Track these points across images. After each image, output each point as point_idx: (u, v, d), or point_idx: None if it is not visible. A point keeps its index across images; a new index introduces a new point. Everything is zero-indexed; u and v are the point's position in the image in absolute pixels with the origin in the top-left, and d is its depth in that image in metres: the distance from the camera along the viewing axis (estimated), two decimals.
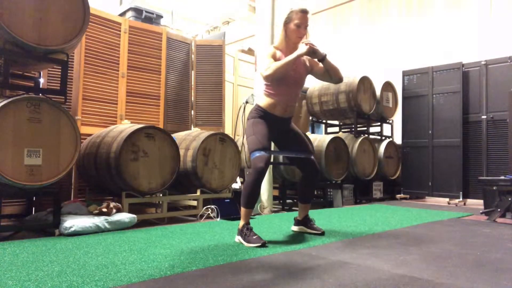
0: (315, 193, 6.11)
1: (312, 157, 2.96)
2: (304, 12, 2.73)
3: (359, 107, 5.89)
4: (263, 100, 2.80)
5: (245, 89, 6.33)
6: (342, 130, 6.68)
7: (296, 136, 2.95)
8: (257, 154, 2.62)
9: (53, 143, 2.81)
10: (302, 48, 2.67)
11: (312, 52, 2.70)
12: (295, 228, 3.11)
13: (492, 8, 7.05)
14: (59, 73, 3.00)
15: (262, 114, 2.78)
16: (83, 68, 3.98)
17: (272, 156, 3.03)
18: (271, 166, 4.50)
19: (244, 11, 10.68)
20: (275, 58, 2.72)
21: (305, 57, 2.88)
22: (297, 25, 2.73)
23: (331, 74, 2.85)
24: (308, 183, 3.01)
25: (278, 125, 2.84)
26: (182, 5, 10.43)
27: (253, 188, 2.64)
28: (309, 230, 3.02)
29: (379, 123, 6.53)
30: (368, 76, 6.17)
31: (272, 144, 3.05)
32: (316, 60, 2.84)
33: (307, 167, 2.95)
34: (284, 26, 2.77)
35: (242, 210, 2.69)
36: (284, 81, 2.74)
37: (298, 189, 3.17)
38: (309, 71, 2.94)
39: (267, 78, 2.66)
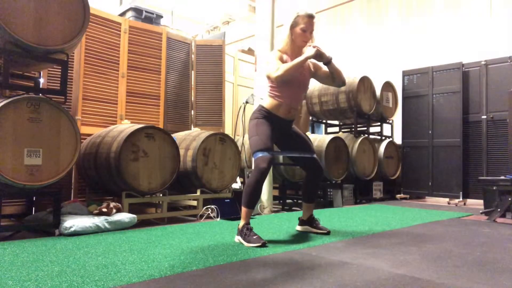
0: None
1: (315, 155, 2.98)
2: (310, 17, 2.77)
3: (359, 107, 5.89)
4: (267, 101, 2.83)
5: (245, 89, 6.33)
6: (342, 130, 6.68)
7: (298, 137, 2.98)
8: (260, 154, 2.64)
9: (53, 143, 2.81)
10: (310, 50, 2.70)
11: (319, 55, 2.73)
12: (300, 228, 3.12)
13: (492, 8, 7.05)
14: (59, 73, 3.00)
15: (265, 115, 2.79)
16: (83, 68, 3.98)
17: (274, 157, 3.04)
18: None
19: (244, 11, 10.69)
20: (282, 61, 2.75)
21: (310, 61, 2.90)
22: (303, 30, 2.76)
23: (335, 77, 2.88)
24: (312, 183, 3.04)
25: (280, 126, 2.86)
26: (182, 5, 10.43)
27: (255, 188, 2.65)
28: (314, 230, 3.02)
29: (379, 123, 6.52)
30: (368, 76, 6.17)
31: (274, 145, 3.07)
32: (321, 63, 2.88)
33: (311, 166, 2.98)
34: (290, 29, 2.80)
35: (243, 210, 2.69)
36: (289, 83, 2.77)
37: (302, 189, 3.18)
38: (313, 74, 2.97)
39: (276, 79, 2.67)
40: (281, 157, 4.72)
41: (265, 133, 2.72)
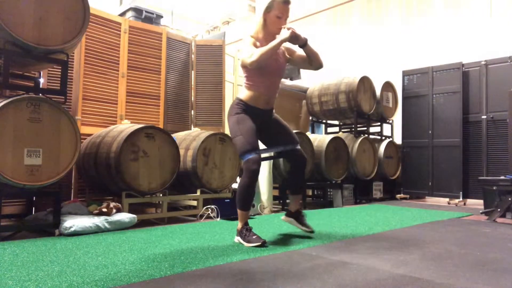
0: (315, 193, 6.12)
1: (298, 146, 2.86)
2: (286, 3, 2.63)
3: (359, 107, 5.89)
4: (244, 93, 2.71)
5: None
6: (342, 130, 6.68)
7: (280, 126, 2.86)
8: (249, 156, 2.56)
9: (53, 143, 2.81)
10: (284, 33, 2.57)
11: (295, 37, 2.60)
12: (285, 219, 3.00)
13: (492, 8, 7.05)
14: (59, 73, 3.00)
15: (244, 108, 2.68)
16: (83, 68, 3.98)
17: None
18: (270, 165, 4.50)
19: (244, 11, 10.70)
20: (256, 47, 2.63)
21: (284, 45, 2.81)
22: (278, 16, 2.64)
23: (312, 59, 2.77)
24: (297, 173, 2.91)
25: (261, 118, 2.74)
26: (182, 5, 10.44)
27: (248, 190, 2.62)
28: (299, 226, 2.90)
29: (379, 123, 6.52)
30: (368, 76, 6.17)
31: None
32: (295, 46, 2.76)
33: (294, 157, 2.87)
34: (264, 15, 2.66)
35: (240, 212, 2.67)
36: (264, 71, 2.67)
37: (287, 179, 3.05)
38: (288, 59, 2.88)
39: (251, 65, 2.54)
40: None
41: (248, 130, 2.60)
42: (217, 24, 12.02)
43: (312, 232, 2.89)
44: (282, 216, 3.07)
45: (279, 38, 2.57)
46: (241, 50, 2.66)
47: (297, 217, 2.94)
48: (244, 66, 2.68)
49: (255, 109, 2.71)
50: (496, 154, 5.36)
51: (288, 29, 2.59)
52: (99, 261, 2.08)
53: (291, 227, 3.28)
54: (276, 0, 2.62)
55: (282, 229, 3.19)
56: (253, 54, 2.53)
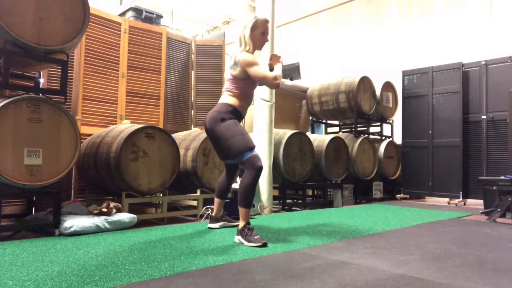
0: (315, 193, 6.13)
1: None
2: (267, 22, 2.99)
3: (359, 107, 5.89)
4: (234, 100, 2.85)
5: None
6: (342, 130, 6.68)
7: None
8: (253, 153, 2.68)
9: (53, 143, 2.81)
10: (278, 59, 2.99)
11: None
12: (216, 225, 3.22)
13: (492, 8, 7.05)
14: (59, 73, 3.00)
15: (236, 114, 2.84)
16: (83, 68, 3.98)
17: None
18: (270, 165, 4.50)
19: (244, 11, 10.69)
20: None
21: None
22: (262, 33, 2.94)
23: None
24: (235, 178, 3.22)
25: None
26: (182, 5, 10.44)
27: (253, 188, 2.66)
28: (229, 224, 3.25)
29: (379, 123, 6.53)
30: (368, 76, 6.17)
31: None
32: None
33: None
34: (251, 33, 2.91)
35: (243, 210, 2.67)
36: (255, 84, 2.95)
37: (226, 184, 3.17)
38: None
39: (278, 86, 2.85)
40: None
41: (245, 131, 2.79)
42: (217, 24, 12.02)
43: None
44: (212, 225, 3.23)
45: (280, 64, 2.97)
46: (252, 64, 2.78)
47: (223, 218, 3.27)
48: (241, 78, 2.82)
49: (240, 116, 2.91)
50: (496, 154, 5.36)
51: (279, 56, 3.01)
52: (99, 261, 2.08)
53: (291, 227, 3.29)
54: (259, 19, 2.93)
55: (282, 229, 3.19)
56: (277, 76, 2.81)
